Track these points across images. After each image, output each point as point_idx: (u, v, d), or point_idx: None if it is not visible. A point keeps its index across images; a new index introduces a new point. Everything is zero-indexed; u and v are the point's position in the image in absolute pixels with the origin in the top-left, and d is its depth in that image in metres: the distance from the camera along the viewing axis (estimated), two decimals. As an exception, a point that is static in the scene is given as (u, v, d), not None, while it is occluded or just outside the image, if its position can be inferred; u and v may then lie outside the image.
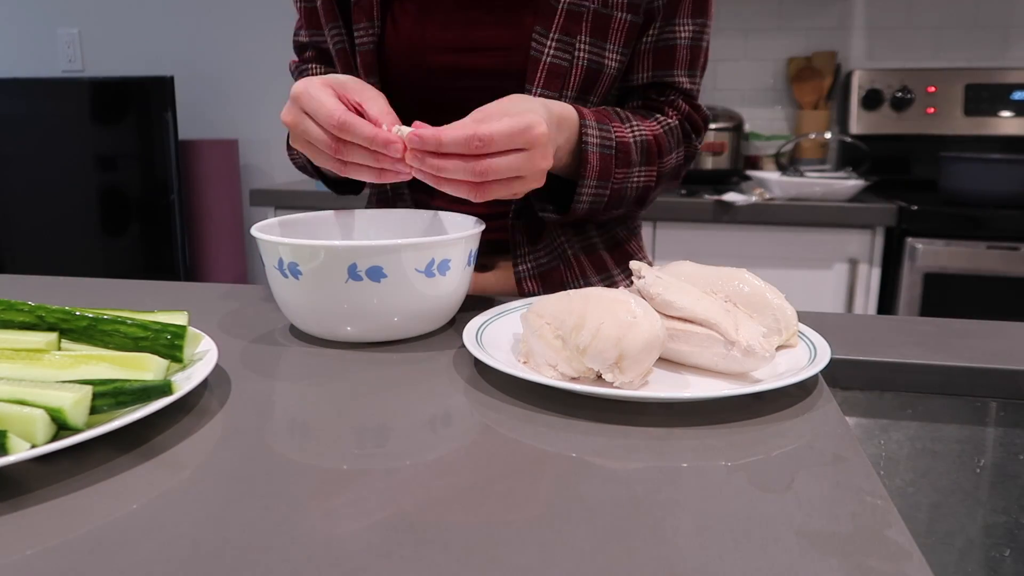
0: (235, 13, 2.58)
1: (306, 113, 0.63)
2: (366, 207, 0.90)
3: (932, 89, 2.15)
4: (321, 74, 0.89)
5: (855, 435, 0.46)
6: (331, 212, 0.74)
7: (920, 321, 0.72)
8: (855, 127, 2.20)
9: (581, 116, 0.70)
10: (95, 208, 2.44)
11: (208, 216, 2.56)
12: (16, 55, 2.73)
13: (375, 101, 0.64)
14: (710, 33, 0.80)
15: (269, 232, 0.64)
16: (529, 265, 0.81)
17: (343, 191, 0.87)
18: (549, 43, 0.73)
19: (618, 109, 0.77)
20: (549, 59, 0.73)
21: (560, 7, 0.72)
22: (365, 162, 0.61)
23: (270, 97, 2.62)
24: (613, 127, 0.72)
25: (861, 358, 0.62)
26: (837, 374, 0.62)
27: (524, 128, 0.58)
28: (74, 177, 2.43)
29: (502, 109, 0.61)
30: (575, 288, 0.81)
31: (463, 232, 0.62)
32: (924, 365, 0.61)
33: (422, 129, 0.58)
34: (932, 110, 2.15)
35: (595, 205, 0.74)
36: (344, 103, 0.62)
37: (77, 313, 0.52)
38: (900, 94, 2.15)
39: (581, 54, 0.74)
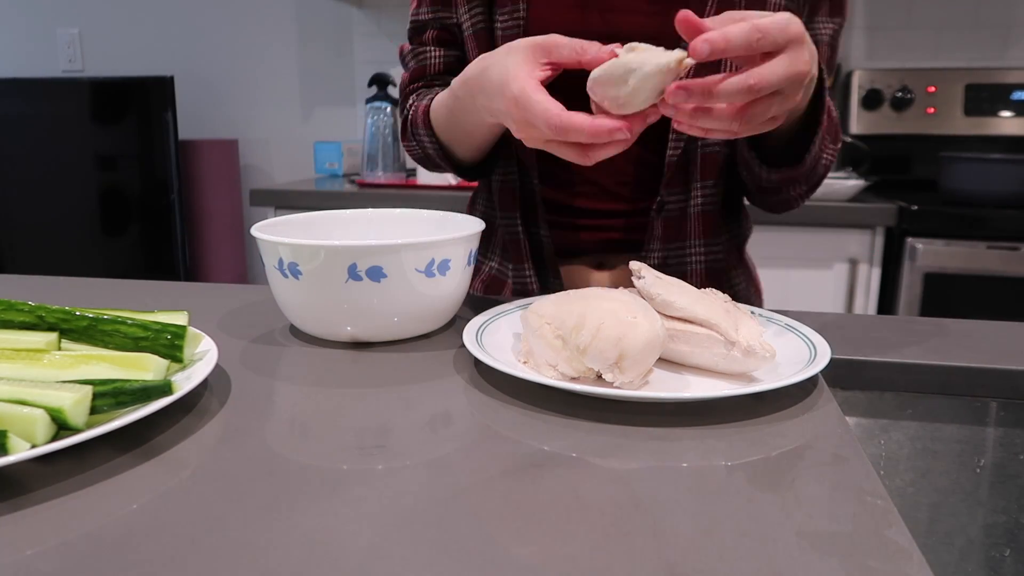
0: (235, 13, 2.58)
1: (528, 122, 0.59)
2: (471, 204, 0.88)
3: (932, 89, 2.15)
4: (439, 59, 0.83)
5: (855, 435, 0.46)
6: (332, 212, 0.74)
7: (920, 321, 0.72)
8: (855, 127, 2.20)
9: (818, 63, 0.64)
10: (95, 208, 2.44)
11: (208, 216, 2.56)
12: (16, 55, 2.73)
13: (582, 45, 0.58)
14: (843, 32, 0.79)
15: (269, 232, 0.64)
16: (656, 262, 0.80)
17: (474, 177, 0.85)
18: None
19: None
20: None
21: None
22: (608, 151, 0.58)
23: (270, 97, 2.62)
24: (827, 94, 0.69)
25: (861, 358, 0.62)
26: (837, 374, 0.62)
27: (787, 21, 0.52)
28: (74, 177, 2.43)
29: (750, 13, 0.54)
30: None
31: (463, 232, 0.62)
32: (924, 365, 0.61)
33: (688, 83, 0.52)
34: (932, 110, 2.15)
35: (811, 164, 0.70)
36: (550, 72, 0.59)
37: (77, 313, 0.52)
38: (900, 94, 2.15)
39: None
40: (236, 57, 2.61)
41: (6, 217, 2.50)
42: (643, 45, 0.55)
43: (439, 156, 0.81)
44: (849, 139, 2.14)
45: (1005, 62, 2.20)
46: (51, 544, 0.34)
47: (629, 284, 0.82)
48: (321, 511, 0.37)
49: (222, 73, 2.63)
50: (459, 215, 0.72)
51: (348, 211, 0.74)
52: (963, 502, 0.62)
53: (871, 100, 2.17)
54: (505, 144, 0.82)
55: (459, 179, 0.84)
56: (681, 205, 0.79)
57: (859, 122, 2.19)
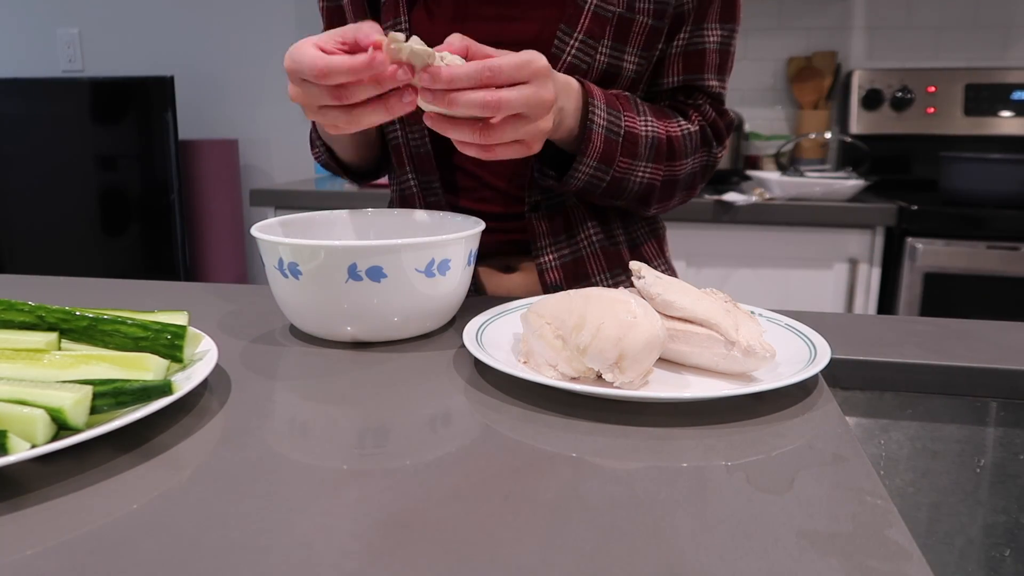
0: (235, 13, 2.58)
1: (304, 81, 0.60)
2: (388, 206, 0.90)
3: (932, 89, 2.15)
4: None
5: (855, 435, 0.46)
6: (331, 212, 0.74)
7: (920, 321, 0.72)
8: (855, 127, 2.20)
9: (589, 93, 0.69)
10: (95, 208, 2.44)
11: (208, 216, 2.56)
12: (16, 55, 2.73)
13: (368, 24, 0.61)
14: (738, 37, 0.81)
15: (269, 232, 0.64)
16: (551, 256, 0.81)
17: (365, 180, 0.89)
18: (572, 43, 0.73)
19: (637, 99, 0.76)
20: (569, 58, 0.73)
21: (587, 8, 0.72)
22: (368, 94, 0.59)
23: (270, 97, 2.62)
24: (624, 115, 0.72)
25: (861, 358, 0.62)
26: (837, 374, 0.62)
27: (528, 60, 0.58)
28: (74, 177, 2.43)
29: (501, 52, 0.60)
30: (600, 282, 0.82)
31: (463, 232, 0.62)
32: (924, 365, 0.61)
33: (433, 68, 0.56)
34: (932, 110, 2.15)
35: (591, 187, 0.73)
36: (334, 48, 0.60)
37: (77, 313, 0.52)
38: (900, 94, 2.15)
39: (601, 57, 0.74)
40: (236, 57, 2.61)
41: (6, 217, 2.50)
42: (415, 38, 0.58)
43: (331, 159, 0.85)
44: (849, 139, 2.14)
45: (1005, 62, 2.20)
46: (51, 544, 0.34)
47: (532, 287, 0.83)
48: (321, 511, 0.37)
49: (222, 73, 2.63)
50: (459, 215, 0.72)
51: (348, 211, 0.74)
52: (963, 502, 0.62)
53: (871, 100, 2.17)
54: (389, 153, 0.86)
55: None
56: (558, 200, 0.80)
57: (859, 122, 2.19)
